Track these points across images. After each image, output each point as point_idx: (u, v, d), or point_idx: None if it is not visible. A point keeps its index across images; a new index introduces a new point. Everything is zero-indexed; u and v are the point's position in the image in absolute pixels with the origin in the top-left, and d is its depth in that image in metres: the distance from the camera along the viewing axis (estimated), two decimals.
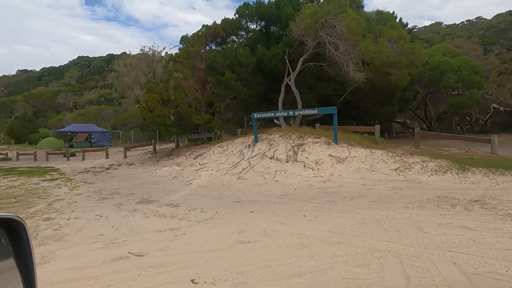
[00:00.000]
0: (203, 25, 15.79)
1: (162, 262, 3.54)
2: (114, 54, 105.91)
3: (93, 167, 14.93)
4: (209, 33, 15.21)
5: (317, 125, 13.36)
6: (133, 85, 20.56)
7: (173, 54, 15.19)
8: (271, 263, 3.40)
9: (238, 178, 8.86)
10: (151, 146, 19.86)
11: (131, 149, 20.47)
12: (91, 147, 33.09)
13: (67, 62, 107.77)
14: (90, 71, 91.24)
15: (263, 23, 15.86)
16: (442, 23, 66.49)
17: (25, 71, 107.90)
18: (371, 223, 4.62)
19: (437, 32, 51.52)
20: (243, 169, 9.51)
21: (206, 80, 15.62)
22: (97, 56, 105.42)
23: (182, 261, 3.55)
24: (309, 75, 14.45)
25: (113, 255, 3.81)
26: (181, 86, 14.42)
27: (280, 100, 13.46)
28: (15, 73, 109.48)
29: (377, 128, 12.33)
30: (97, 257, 3.79)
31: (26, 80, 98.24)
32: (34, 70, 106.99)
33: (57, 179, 11.66)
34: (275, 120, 13.19)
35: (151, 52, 20.71)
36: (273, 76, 14.49)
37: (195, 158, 12.55)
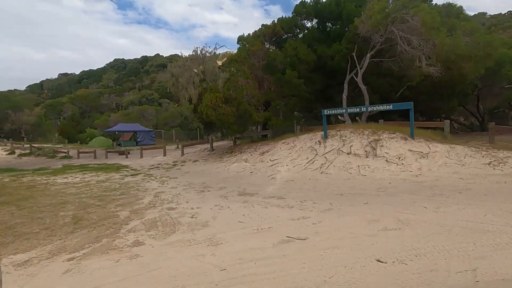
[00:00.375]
0: (262, 25, 16.23)
1: (330, 245, 3.84)
2: (148, 56, 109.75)
3: (158, 164, 15.71)
4: (269, 32, 15.57)
5: (380, 120, 13.35)
6: (187, 85, 21.38)
7: (233, 53, 15.64)
8: (439, 248, 3.61)
9: (322, 173, 9.10)
10: (204, 144, 20.60)
11: (185, 147, 21.28)
12: (136, 145, 34.68)
13: (104, 65, 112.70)
14: (126, 73, 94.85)
15: (320, 20, 15.94)
16: (486, 13, 63.24)
17: (65, 74, 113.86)
18: (504, 213, 4.70)
19: (482, 22, 49.09)
20: (322, 164, 9.74)
21: (263, 78, 15.97)
22: (132, 58, 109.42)
23: (349, 244, 3.84)
24: (370, 71, 14.41)
25: (275, 239, 4.16)
26: (241, 85, 14.86)
27: (344, 97, 13.55)
28: (56, 76, 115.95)
29: (447, 123, 12.15)
30: (261, 240, 4.16)
31: (67, 83, 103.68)
32: (74, 73, 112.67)
33: (136, 174, 12.43)
34: (339, 117, 13.32)
35: (202, 53, 21.43)
36: (333, 73, 14.59)
37: (261, 155, 12.92)
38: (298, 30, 16.35)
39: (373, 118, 14.03)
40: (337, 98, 15.91)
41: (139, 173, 12.64)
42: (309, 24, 16.39)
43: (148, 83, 69.37)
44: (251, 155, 13.50)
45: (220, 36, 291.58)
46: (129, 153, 25.05)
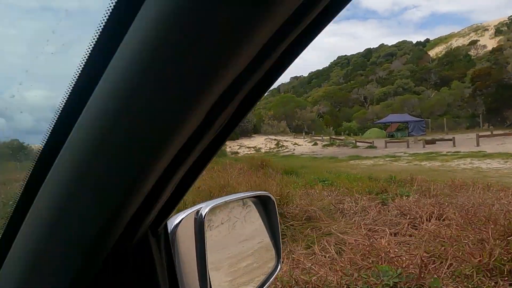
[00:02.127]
0: None
1: None
2: (372, 48, 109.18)
3: None
4: None
5: None
6: None
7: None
8: None
9: None
10: None
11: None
12: (408, 136, 33.82)
13: (328, 63, 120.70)
14: (353, 68, 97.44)
15: None
16: None
17: (296, 77, 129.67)
18: None
19: None
20: None
21: None
22: (355, 53, 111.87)
23: None
24: None
25: None
26: None
27: None
28: (289, 80, 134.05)
29: None
30: None
31: (299, 85, 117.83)
32: (303, 75, 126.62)
33: None
34: None
35: None
36: None
37: None
38: None
39: None
40: None
41: None
42: None
43: (387, 73, 67.99)
44: None
45: (437, 14, 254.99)
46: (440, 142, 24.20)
